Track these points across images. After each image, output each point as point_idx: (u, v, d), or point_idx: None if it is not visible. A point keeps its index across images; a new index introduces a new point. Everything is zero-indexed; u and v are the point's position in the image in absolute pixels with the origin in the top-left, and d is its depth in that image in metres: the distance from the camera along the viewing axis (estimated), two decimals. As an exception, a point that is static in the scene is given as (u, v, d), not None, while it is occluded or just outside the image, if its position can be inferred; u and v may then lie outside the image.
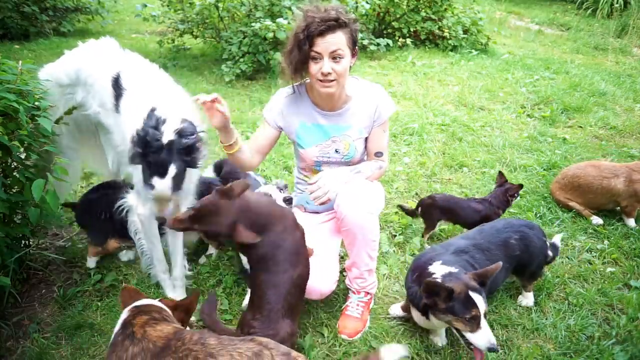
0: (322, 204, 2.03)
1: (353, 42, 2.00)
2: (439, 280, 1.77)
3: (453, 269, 1.84)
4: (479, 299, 1.70)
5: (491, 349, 1.69)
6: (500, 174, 2.85)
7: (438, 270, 1.86)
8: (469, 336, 1.73)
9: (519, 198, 2.86)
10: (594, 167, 3.05)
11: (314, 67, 1.96)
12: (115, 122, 2.06)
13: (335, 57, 1.94)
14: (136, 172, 1.94)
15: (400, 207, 2.87)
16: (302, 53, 1.94)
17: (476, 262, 1.98)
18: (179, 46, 6.16)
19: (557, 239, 2.41)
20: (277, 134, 2.24)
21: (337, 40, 1.93)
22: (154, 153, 1.72)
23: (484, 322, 1.71)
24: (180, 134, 1.76)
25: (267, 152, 2.29)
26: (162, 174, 1.74)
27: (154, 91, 1.96)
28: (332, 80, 1.97)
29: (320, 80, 1.97)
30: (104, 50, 2.23)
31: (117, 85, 2.02)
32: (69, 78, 2.20)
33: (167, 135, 1.74)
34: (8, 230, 1.98)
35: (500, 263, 1.83)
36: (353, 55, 2.03)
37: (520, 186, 2.79)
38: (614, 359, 1.98)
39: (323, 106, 2.15)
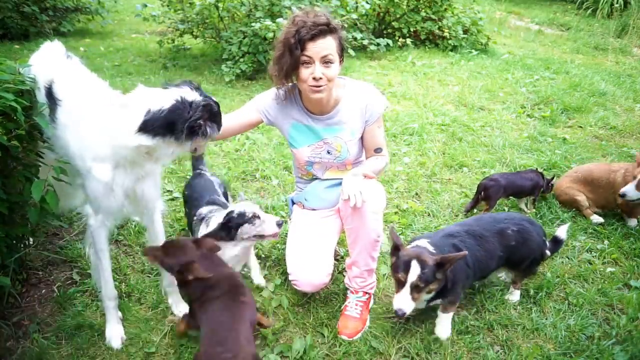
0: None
1: (341, 49, 2.02)
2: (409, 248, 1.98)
3: (429, 247, 1.97)
4: (415, 269, 1.84)
5: (396, 312, 1.88)
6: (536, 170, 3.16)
7: (416, 243, 2.02)
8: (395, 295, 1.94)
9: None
10: (607, 165, 3.11)
11: (304, 72, 1.96)
12: (53, 133, 1.93)
13: (326, 62, 1.94)
14: (89, 183, 1.84)
15: (467, 210, 3.04)
16: (293, 57, 1.94)
17: (465, 246, 2.03)
18: (179, 46, 6.16)
19: (561, 232, 2.41)
20: (256, 121, 2.23)
21: (328, 45, 1.94)
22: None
23: (406, 289, 1.87)
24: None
25: (233, 133, 2.30)
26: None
27: (100, 101, 1.86)
28: (322, 86, 1.97)
29: (311, 86, 1.97)
30: (47, 56, 2.12)
31: (50, 95, 1.92)
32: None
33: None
34: (8, 230, 1.97)
35: (466, 252, 1.93)
36: (340, 62, 2.04)
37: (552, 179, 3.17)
38: (614, 359, 1.98)
39: (314, 110, 2.17)
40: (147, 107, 1.69)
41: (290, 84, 2.10)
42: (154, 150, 1.79)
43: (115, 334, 2.02)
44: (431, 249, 1.97)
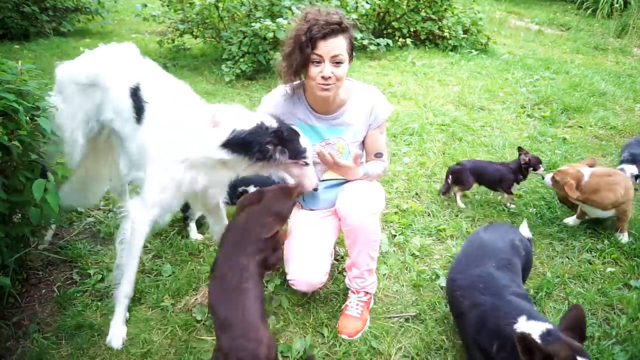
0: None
1: (351, 48, 2.02)
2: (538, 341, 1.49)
3: (548, 325, 1.54)
4: None
5: None
6: (520, 148, 3.15)
7: (530, 328, 1.53)
8: None
9: (540, 171, 3.13)
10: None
11: (314, 70, 1.95)
12: (134, 133, 2.06)
13: (336, 62, 1.94)
14: (149, 179, 1.96)
15: (443, 193, 3.22)
16: (303, 55, 1.93)
17: (518, 286, 1.80)
18: (179, 46, 6.16)
19: (524, 230, 2.23)
20: None
21: (339, 44, 1.93)
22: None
23: None
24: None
25: None
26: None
27: (186, 107, 2.02)
28: (330, 85, 1.97)
29: (319, 83, 1.97)
30: (124, 56, 2.22)
31: (136, 96, 2.02)
32: (87, 78, 2.18)
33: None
34: (8, 230, 1.97)
35: (580, 306, 1.62)
36: (350, 61, 2.04)
37: (538, 159, 3.12)
38: (614, 359, 1.98)
39: (318, 109, 2.16)
40: (234, 126, 1.88)
41: (298, 80, 2.10)
42: (230, 163, 1.94)
43: (117, 333, 2.02)
44: (545, 326, 1.54)
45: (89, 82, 2.17)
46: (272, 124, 1.93)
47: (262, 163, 1.93)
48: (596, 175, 2.72)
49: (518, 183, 3.14)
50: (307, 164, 2.02)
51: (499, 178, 3.11)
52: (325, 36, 1.90)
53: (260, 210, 1.85)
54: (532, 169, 3.09)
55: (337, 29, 1.91)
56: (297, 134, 2.00)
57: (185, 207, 2.70)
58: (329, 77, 1.94)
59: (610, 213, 2.75)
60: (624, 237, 2.78)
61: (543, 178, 2.97)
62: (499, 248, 1.96)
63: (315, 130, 2.17)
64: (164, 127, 1.96)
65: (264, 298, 1.79)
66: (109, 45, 2.29)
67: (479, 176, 3.17)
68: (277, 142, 1.91)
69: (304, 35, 1.90)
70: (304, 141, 2.01)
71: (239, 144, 1.87)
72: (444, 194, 3.22)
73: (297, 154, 1.97)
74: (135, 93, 2.03)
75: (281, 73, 2.08)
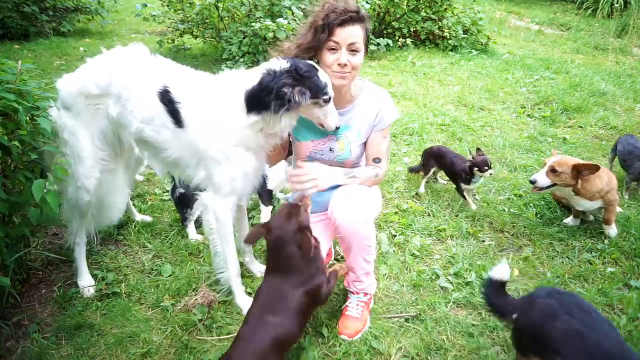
0: (298, 191, 2.01)
1: (367, 40, 2.03)
2: None
3: None
4: None
5: None
6: (478, 149, 3.07)
7: None
8: None
9: (487, 173, 3.00)
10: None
11: (330, 58, 1.95)
12: (176, 137, 1.98)
13: (353, 50, 1.95)
14: (217, 171, 1.96)
15: (410, 170, 3.45)
16: (316, 39, 1.94)
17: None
18: (179, 46, 6.17)
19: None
20: None
21: (356, 33, 1.94)
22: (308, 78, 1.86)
23: None
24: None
25: None
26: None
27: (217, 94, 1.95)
28: (347, 72, 1.96)
29: (335, 72, 1.96)
30: (137, 59, 2.09)
31: (168, 99, 1.93)
32: (99, 88, 2.03)
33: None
34: (8, 230, 1.98)
35: None
36: (365, 53, 2.04)
37: (485, 161, 2.97)
38: (614, 359, 1.97)
39: None
40: (244, 88, 1.84)
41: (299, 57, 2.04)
42: (265, 125, 1.89)
43: (246, 302, 2.14)
44: None
45: (101, 93, 2.05)
46: (282, 65, 1.83)
47: (288, 111, 1.81)
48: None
49: (467, 183, 3.06)
50: (328, 100, 1.89)
51: (451, 171, 3.17)
52: (342, 23, 1.90)
53: (284, 234, 1.77)
54: (476, 169, 2.95)
55: (355, 16, 1.92)
56: (314, 68, 1.87)
57: (184, 208, 2.72)
58: (345, 65, 1.93)
59: (597, 204, 2.73)
60: (612, 231, 2.78)
61: (533, 183, 2.66)
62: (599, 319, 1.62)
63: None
64: (207, 121, 1.91)
65: (290, 342, 1.75)
66: (115, 49, 2.17)
67: (436, 163, 3.27)
68: (294, 82, 1.79)
69: (321, 20, 1.91)
70: (323, 75, 1.88)
71: (257, 101, 1.81)
72: (411, 172, 3.42)
73: (318, 92, 1.84)
74: (165, 96, 1.94)
75: (282, 49, 2.06)
